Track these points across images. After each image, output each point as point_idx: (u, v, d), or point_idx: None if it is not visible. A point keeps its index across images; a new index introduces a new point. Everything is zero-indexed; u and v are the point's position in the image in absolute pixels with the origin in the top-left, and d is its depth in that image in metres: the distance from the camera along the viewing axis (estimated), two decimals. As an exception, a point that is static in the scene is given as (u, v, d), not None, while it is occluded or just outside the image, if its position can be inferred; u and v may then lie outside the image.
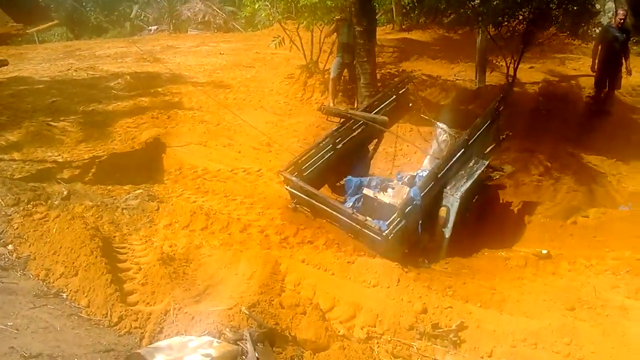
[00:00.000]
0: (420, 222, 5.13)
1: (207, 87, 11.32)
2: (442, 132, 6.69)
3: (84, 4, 25.00)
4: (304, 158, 5.80)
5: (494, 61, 11.19)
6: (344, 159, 6.25)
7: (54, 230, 4.60)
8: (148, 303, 3.96)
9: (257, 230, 5.45)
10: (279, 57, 13.93)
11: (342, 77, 10.34)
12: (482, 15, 9.35)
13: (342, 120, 6.37)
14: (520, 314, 4.28)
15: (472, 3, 9.76)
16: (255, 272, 4.38)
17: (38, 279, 4.20)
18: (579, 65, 13.06)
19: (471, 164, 5.66)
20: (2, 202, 5.36)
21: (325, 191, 6.19)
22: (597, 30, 10.46)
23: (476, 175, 5.52)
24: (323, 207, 5.24)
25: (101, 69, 12.58)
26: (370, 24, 8.50)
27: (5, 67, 12.30)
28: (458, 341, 3.98)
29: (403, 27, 18.35)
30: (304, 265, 4.67)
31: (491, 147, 6.41)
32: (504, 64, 9.78)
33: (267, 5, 11.66)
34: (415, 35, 17.16)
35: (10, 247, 4.61)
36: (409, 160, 7.96)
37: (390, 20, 19.50)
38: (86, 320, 3.75)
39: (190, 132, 8.31)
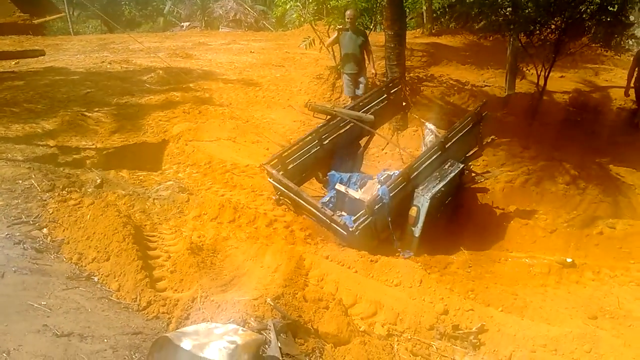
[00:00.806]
0: (389, 219, 5.21)
1: (237, 84, 11.49)
2: (429, 133, 6.77)
3: (119, -3, 25.51)
4: (288, 152, 5.97)
5: (525, 69, 11.14)
6: (331, 154, 6.37)
7: (88, 216, 4.76)
8: (176, 290, 4.08)
9: (283, 225, 5.57)
10: (309, 57, 14.06)
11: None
12: (513, 23, 9.33)
13: (327, 117, 6.48)
14: (541, 320, 4.30)
15: (504, 11, 9.74)
16: (280, 265, 4.48)
17: (71, 262, 4.35)
18: (611, 77, 12.92)
19: (446, 166, 5.69)
20: (38, 188, 5.56)
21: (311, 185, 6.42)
22: (631, 43, 10.33)
23: (449, 178, 5.55)
24: (298, 200, 5.43)
25: (134, 63, 12.85)
26: (401, 29, 8.54)
27: (42, 57, 12.76)
28: (478, 343, 4.02)
29: (433, 31, 18.35)
30: (328, 261, 4.75)
31: (473, 151, 6.44)
32: (534, 72, 9.73)
33: (299, 6, 11.79)
34: (445, 40, 17.13)
35: (45, 230, 4.78)
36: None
37: (420, 25, 19.52)
38: (116, 304, 3.88)
39: (220, 128, 8.46)
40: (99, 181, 6.00)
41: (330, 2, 10.59)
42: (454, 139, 5.95)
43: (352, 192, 5.66)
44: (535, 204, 7.01)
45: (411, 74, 12.39)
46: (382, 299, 4.27)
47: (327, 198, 5.91)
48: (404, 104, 7.33)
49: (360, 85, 9.30)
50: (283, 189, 5.67)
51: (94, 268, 4.24)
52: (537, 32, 9.30)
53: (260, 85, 11.76)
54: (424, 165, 5.57)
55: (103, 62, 12.77)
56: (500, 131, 8.53)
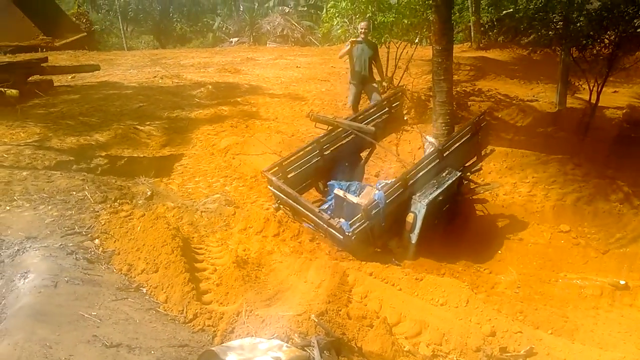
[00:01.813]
0: (383, 224, 5.23)
1: (283, 99, 11.63)
2: (429, 145, 6.72)
3: (171, 14, 26.32)
4: (288, 161, 6.07)
5: (576, 83, 10.83)
6: (332, 165, 6.42)
7: (139, 228, 4.90)
8: (221, 303, 4.15)
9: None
10: (354, 71, 14.09)
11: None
12: (565, 37, 9.09)
13: (329, 128, 6.54)
14: (593, 344, 4.14)
15: (555, 25, 9.52)
16: (323, 281, 4.48)
17: (121, 273, 4.48)
18: (668, 91, 12.40)
19: (444, 174, 5.68)
20: (91, 199, 5.78)
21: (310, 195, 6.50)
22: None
23: (446, 185, 5.54)
24: (297, 206, 5.52)
25: (185, 78, 13.20)
26: (448, 43, 8.43)
27: (97, 71, 13.28)
28: (526, 367, 3.90)
29: (481, 45, 18.13)
30: (372, 278, 4.71)
31: (472, 161, 6.40)
32: (586, 87, 9.45)
33: (345, 22, 11.88)
34: (493, 54, 16.90)
35: (96, 241, 4.95)
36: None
37: (467, 38, 19.32)
38: (163, 315, 3.97)
39: (266, 142, 8.57)
40: (149, 193, 6.18)
41: (378, 18, 10.60)
42: (452, 148, 5.96)
43: (350, 197, 5.69)
44: (587, 223, 6.77)
45: (458, 88, 12.25)
46: (427, 318, 4.20)
47: (327, 205, 5.99)
48: (405, 118, 7.40)
49: (374, 94, 9.36)
50: (282, 196, 5.75)
51: (143, 279, 4.35)
52: (590, 46, 9.05)
53: (305, 100, 11.86)
54: (421, 173, 5.58)
55: (155, 76, 13.17)
56: (550, 147, 8.33)
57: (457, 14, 15.21)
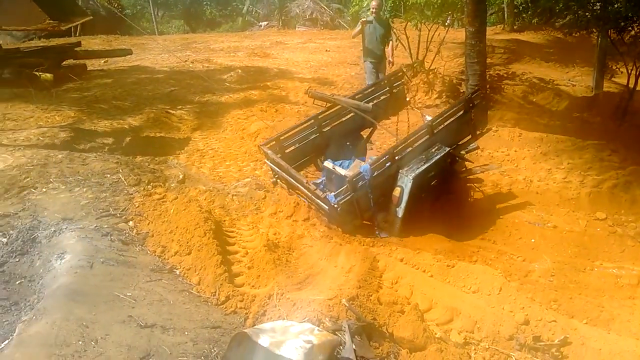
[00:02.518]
0: (371, 197, 5.23)
1: (312, 82, 11.58)
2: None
3: (201, -1, 26.43)
4: (285, 136, 6.07)
5: (613, 67, 10.49)
6: (332, 142, 6.36)
7: (172, 210, 4.97)
8: (253, 286, 4.18)
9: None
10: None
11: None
12: (602, 19, 8.80)
13: (327, 105, 6.54)
14: (629, 335, 4.03)
15: (592, 6, 9.22)
16: (354, 266, 4.47)
17: (155, 255, 4.55)
18: None
19: (433, 150, 5.57)
20: (125, 182, 5.87)
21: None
22: None
23: (434, 160, 5.44)
24: (290, 179, 5.56)
25: (215, 62, 13.26)
26: (482, 25, 8.27)
27: (129, 55, 13.41)
28: (560, 356, 3.82)
29: (514, 27, 17.72)
30: (402, 264, 4.68)
31: (467, 139, 6.24)
32: (624, 70, 9.15)
33: (375, 4, 11.70)
34: (527, 36, 16.49)
35: (131, 223, 5.04)
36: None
37: (500, 20, 18.90)
38: (196, 297, 4.02)
39: (296, 126, 8.56)
40: (181, 176, 6.25)
41: (409, 0, 10.43)
42: (443, 124, 5.83)
43: (339, 170, 5.69)
44: (624, 211, 6.59)
45: (491, 72, 12.00)
46: (459, 305, 4.15)
47: (320, 180, 6.04)
48: (407, 99, 7.31)
49: (381, 74, 9.44)
50: (277, 170, 5.80)
51: (176, 261, 4.41)
52: (629, 28, 8.74)
53: (335, 84, 11.79)
54: (409, 148, 5.50)
55: (186, 61, 13.26)
56: (586, 133, 8.11)
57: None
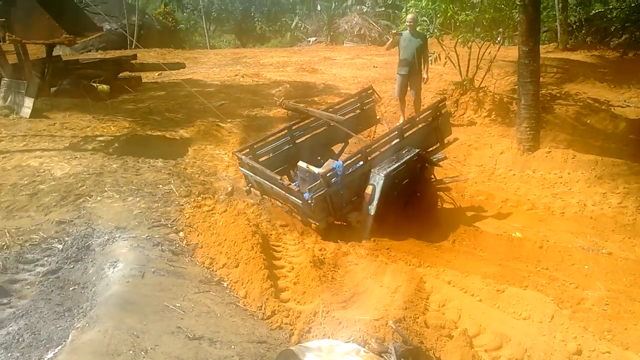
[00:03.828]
0: (342, 192, 5.40)
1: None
2: None
3: (252, 14, 26.94)
4: (259, 144, 6.29)
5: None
6: (305, 154, 6.41)
7: (221, 223, 5.04)
8: (299, 302, 4.18)
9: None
10: (432, 72, 13.76)
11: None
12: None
13: (301, 116, 6.76)
14: (689, 371, 3.83)
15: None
16: (400, 286, 4.41)
17: (203, 267, 4.62)
18: None
19: (403, 152, 5.84)
20: (177, 193, 6.00)
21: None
22: None
23: (404, 160, 5.68)
24: (263, 181, 5.71)
25: (264, 76, 13.46)
26: (535, 44, 8.12)
27: (182, 69, 13.80)
28: (615, 391, 3.66)
29: (567, 46, 17.29)
30: (450, 286, 4.59)
31: (434, 147, 6.49)
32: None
33: (425, 21, 11.68)
34: (580, 55, 16.05)
35: (181, 234, 5.14)
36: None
37: (553, 39, 18.50)
38: (242, 310, 4.05)
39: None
40: (229, 189, 6.34)
41: (460, 17, 10.34)
42: (413, 129, 6.12)
43: (312, 168, 5.82)
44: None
45: (543, 91, 11.73)
46: (509, 332, 4.03)
47: (295, 183, 6.06)
48: (377, 117, 7.56)
49: (412, 90, 9.89)
50: (251, 175, 5.93)
51: (223, 273, 4.46)
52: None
53: (382, 101, 11.73)
54: (382, 149, 5.76)
55: (236, 75, 13.54)
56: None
57: (544, 14, 14.54)
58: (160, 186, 6.15)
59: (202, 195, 5.99)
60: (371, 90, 7.46)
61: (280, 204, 5.86)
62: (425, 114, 6.39)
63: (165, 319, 3.54)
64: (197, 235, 5.06)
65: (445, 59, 11.30)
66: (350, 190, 5.49)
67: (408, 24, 9.65)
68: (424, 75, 9.86)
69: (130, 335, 3.20)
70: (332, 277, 4.59)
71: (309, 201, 5.20)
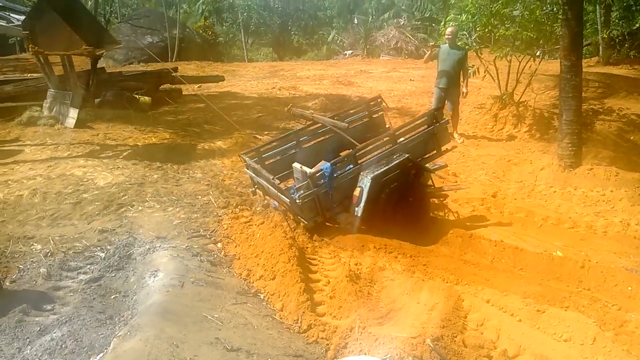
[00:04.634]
0: (330, 192, 5.56)
1: (395, 112, 11.57)
2: None
3: (289, 28, 27.27)
4: (265, 147, 6.52)
5: None
6: (310, 158, 6.51)
7: (258, 235, 5.09)
8: (335, 316, 4.16)
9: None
10: (471, 85, 13.69)
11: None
12: None
13: (307, 122, 6.98)
14: None
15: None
16: (437, 304, 4.35)
17: (240, 278, 4.67)
18: None
19: (394, 156, 5.91)
20: (215, 204, 6.09)
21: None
22: None
23: (393, 163, 5.78)
24: (262, 182, 5.87)
25: (301, 89, 13.58)
26: (578, 59, 7.96)
27: (221, 82, 14.05)
28: (662, 420, 3.53)
29: (610, 60, 16.93)
30: (489, 305, 4.50)
31: (431, 153, 6.57)
32: None
33: (464, 34, 11.60)
34: (623, 70, 15.72)
35: (219, 245, 5.21)
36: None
37: (595, 53, 18.14)
38: (279, 323, 4.06)
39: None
40: (266, 201, 6.39)
41: (499, 31, 10.24)
42: (406, 135, 6.21)
43: (305, 168, 5.94)
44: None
45: (585, 106, 11.47)
46: (549, 354, 3.93)
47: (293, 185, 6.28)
48: (387, 126, 7.50)
49: (449, 102, 9.93)
50: (254, 176, 6.12)
51: (260, 285, 4.50)
52: None
53: (418, 114, 11.72)
54: (372, 153, 5.86)
55: (273, 88, 13.69)
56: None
57: (586, 27, 14.29)
58: (199, 197, 6.26)
59: (239, 207, 6.06)
60: (380, 100, 7.57)
61: (277, 204, 6.04)
62: (420, 120, 6.50)
63: (204, 330, 3.58)
64: (235, 247, 5.12)
65: (484, 72, 11.20)
66: (340, 191, 5.66)
67: (447, 37, 9.73)
68: (463, 90, 9.82)
69: (170, 345, 3.25)
70: (368, 293, 4.56)
71: (297, 200, 5.38)
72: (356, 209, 5.63)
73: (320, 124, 6.86)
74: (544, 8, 10.12)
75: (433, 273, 5.08)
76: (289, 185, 6.15)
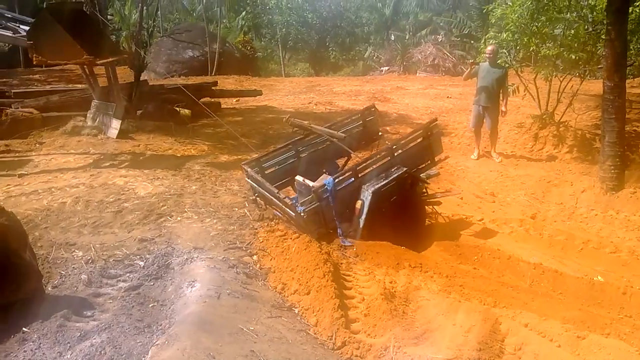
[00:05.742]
0: (332, 204, 5.70)
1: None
2: None
3: (327, 44, 27.51)
4: (265, 157, 6.78)
5: None
6: (309, 167, 6.72)
7: (293, 249, 5.12)
8: (369, 334, 4.13)
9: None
10: (510, 104, 13.51)
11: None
12: None
13: (305, 132, 7.15)
14: None
15: None
16: (473, 326, 4.27)
17: (275, 291, 4.69)
18: None
19: (392, 170, 6.15)
20: (251, 216, 6.15)
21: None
22: None
23: (392, 177, 6.03)
24: (264, 192, 6.06)
25: (337, 105, 13.65)
26: (621, 80, 7.80)
27: (259, 96, 14.25)
28: None
29: (656, 80, 16.47)
30: (527, 330, 4.40)
31: (426, 163, 6.84)
32: None
33: (504, 52, 11.48)
34: (670, 90, 15.22)
35: (255, 257, 5.26)
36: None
37: (638, 74, 17.69)
38: (313, 338, 4.06)
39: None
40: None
41: (541, 51, 10.10)
42: (403, 149, 6.46)
43: (308, 182, 6.09)
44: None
45: (628, 128, 11.16)
46: (590, 382, 3.83)
47: (295, 196, 6.55)
48: (380, 133, 7.76)
49: (488, 120, 9.86)
50: (255, 186, 6.30)
51: (295, 300, 4.51)
52: None
53: (456, 132, 11.65)
54: (372, 167, 6.10)
55: (310, 102, 13.80)
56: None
57: (630, 47, 13.95)
58: (236, 209, 6.34)
59: (275, 220, 6.11)
60: (374, 108, 7.77)
61: (279, 214, 6.18)
62: (416, 134, 6.73)
63: (240, 342, 3.61)
64: (270, 260, 5.15)
65: (524, 91, 11.05)
66: (342, 204, 5.84)
67: (488, 55, 9.70)
68: (503, 109, 9.73)
69: (206, 356, 3.28)
70: (404, 312, 4.52)
71: (302, 214, 5.51)
72: (359, 220, 5.87)
73: (317, 134, 7.06)
74: (586, 27, 9.95)
75: (470, 294, 5.00)
76: (290, 196, 6.41)
